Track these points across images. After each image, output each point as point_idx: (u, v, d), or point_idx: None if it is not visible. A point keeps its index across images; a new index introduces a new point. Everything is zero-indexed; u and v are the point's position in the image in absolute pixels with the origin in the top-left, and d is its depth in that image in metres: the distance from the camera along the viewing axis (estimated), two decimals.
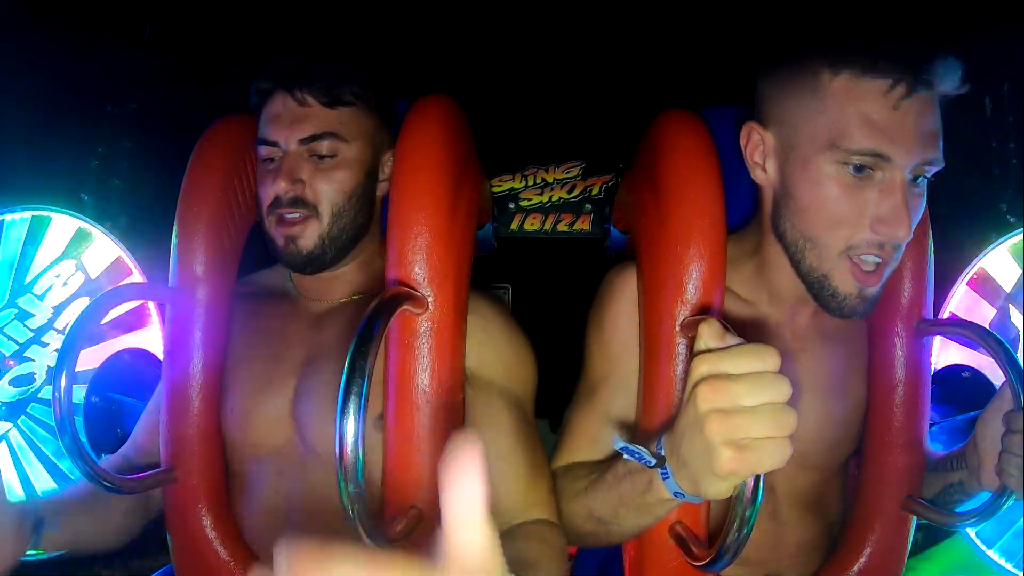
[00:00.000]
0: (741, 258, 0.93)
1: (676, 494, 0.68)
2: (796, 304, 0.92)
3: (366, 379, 0.67)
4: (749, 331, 0.91)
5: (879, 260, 0.81)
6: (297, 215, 0.92)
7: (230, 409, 0.96)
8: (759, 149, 0.86)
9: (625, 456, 0.69)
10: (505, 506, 0.89)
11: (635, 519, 0.78)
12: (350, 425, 0.65)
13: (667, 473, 0.67)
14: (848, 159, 0.77)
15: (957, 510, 0.91)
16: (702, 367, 0.59)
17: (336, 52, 1.00)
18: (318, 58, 0.96)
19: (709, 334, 0.62)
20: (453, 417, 0.85)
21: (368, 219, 0.99)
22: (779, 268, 0.89)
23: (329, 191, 0.93)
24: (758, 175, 0.87)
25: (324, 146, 0.93)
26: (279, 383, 0.94)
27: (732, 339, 0.61)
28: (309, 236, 0.93)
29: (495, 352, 0.93)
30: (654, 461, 0.67)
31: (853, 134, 0.76)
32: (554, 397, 1.05)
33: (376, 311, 0.72)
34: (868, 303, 0.83)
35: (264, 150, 0.94)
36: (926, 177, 0.80)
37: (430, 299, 0.82)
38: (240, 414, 0.95)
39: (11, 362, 1.37)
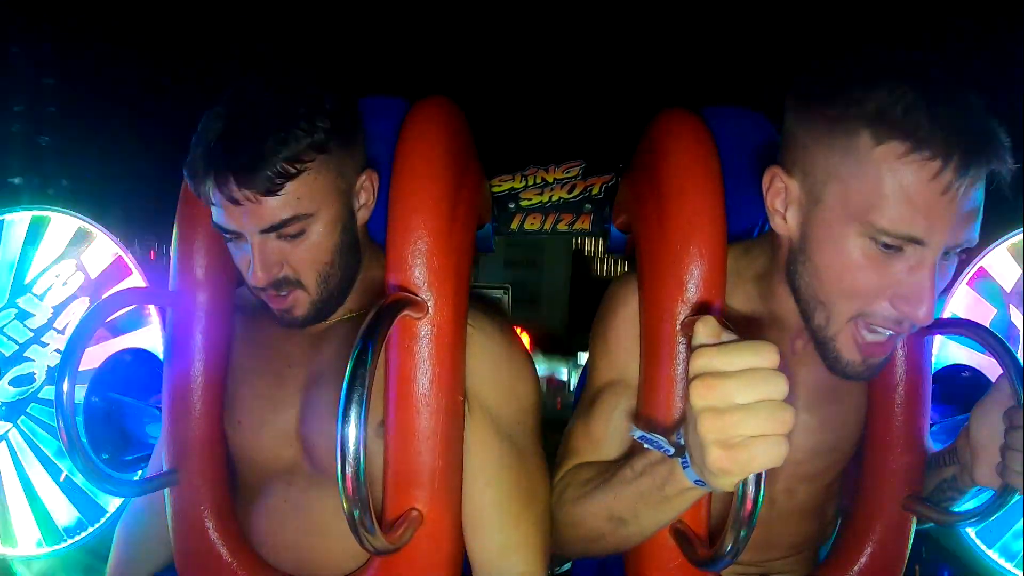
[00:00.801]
0: (746, 275, 0.90)
1: (697, 482, 0.67)
2: (797, 332, 0.88)
3: (367, 386, 0.67)
4: (744, 329, 0.91)
5: (893, 335, 0.76)
6: (284, 292, 0.87)
7: (237, 422, 0.95)
8: (781, 197, 0.79)
9: (644, 445, 0.69)
10: (480, 543, 0.88)
11: (656, 515, 0.76)
12: (351, 432, 0.65)
13: (687, 462, 0.66)
14: (878, 236, 0.71)
15: (958, 510, 0.91)
16: (697, 363, 0.58)
17: (275, 88, 0.85)
18: (244, 121, 0.80)
19: (705, 331, 0.61)
20: (454, 420, 0.85)
21: (357, 256, 0.93)
22: (784, 305, 0.86)
23: (308, 263, 0.86)
24: (777, 223, 0.81)
25: (290, 230, 0.82)
26: (283, 403, 0.94)
27: (728, 336, 0.61)
28: (301, 306, 0.88)
29: (493, 375, 0.91)
30: (673, 449, 0.67)
31: (889, 213, 0.69)
32: None
33: (377, 318, 0.72)
34: (873, 370, 0.80)
35: (226, 234, 0.85)
36: (956, 253, 0.74)
37: (430, 303, 0.82)
38: (247, 429, 0.95)
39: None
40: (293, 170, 0.80)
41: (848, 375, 0.80)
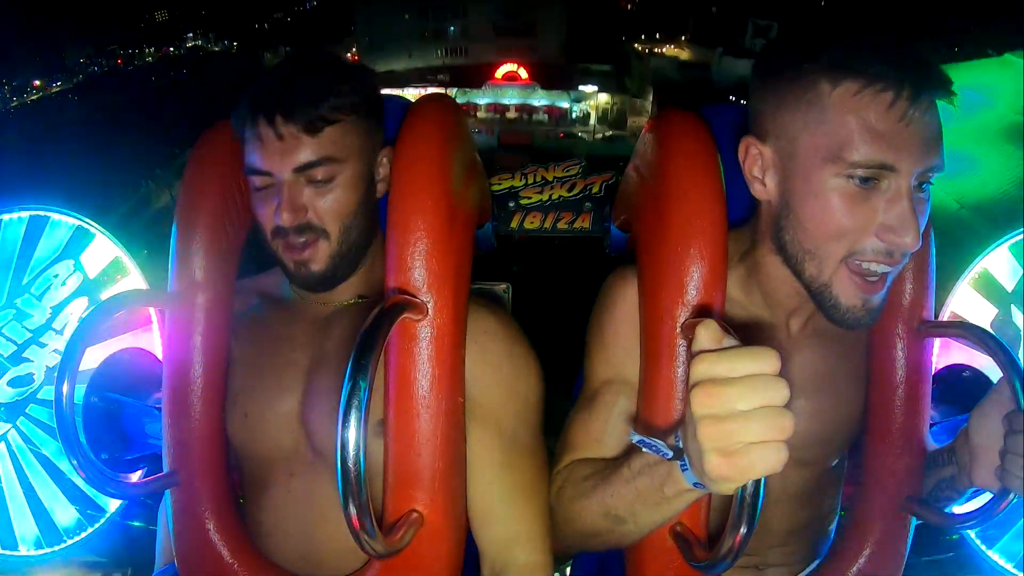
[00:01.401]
0: (735, 259, 0.92)
1: (696, 484, 0.67)
2: (791, 307, 0.91)
3: (367, 391, 0.67)
4: (743, 332, 0.91)
5: (887, 269, 0.79)
6: (305, 239, 0.89)
7: (243, 413, 0.96)
8: (757, 164, 0.84)
9: (643, 449, 0.69)
10: (487, 536, 0.92)
11: (653, 514, 0.77)
12: (352, 436, 0.65)
13: (686, 464, 0.67)
14: (853, 172, 0.76)
15: (957, 512, 0.91)
16: (698, 370, 0.59)
17: (322, 57, 0.95)
18: (297, 73, 0.90)
19: (706, 337, 0.62)
20: (453, 421, 0.85)
21: (373, 225, 0.97)
22: (775, 277, 0.88)
23: (334, 212, 0.90)
24: (757, 189, 0.85)
25: (319, 172, 0.88)
26: (287, 388, 0.95)
27: (729, 341, 0.61)
28: (320, 259, 0.90)
29: (494, 374, 0.92)
30: (671, 453, 0.67)
31: (858, 146, 0.75)
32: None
33: (376, 322, 0.72)
34: (873, 313, 0.82)
35: (256, 180, 0.90)
36: (930, 183, 0.79)
37: (429, 305, 0.82)
38: (253, 418, 0.96)
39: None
40: (332, 117, 0.88)
41: (849, 322, 0.82)
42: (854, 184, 0.76)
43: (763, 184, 0.84)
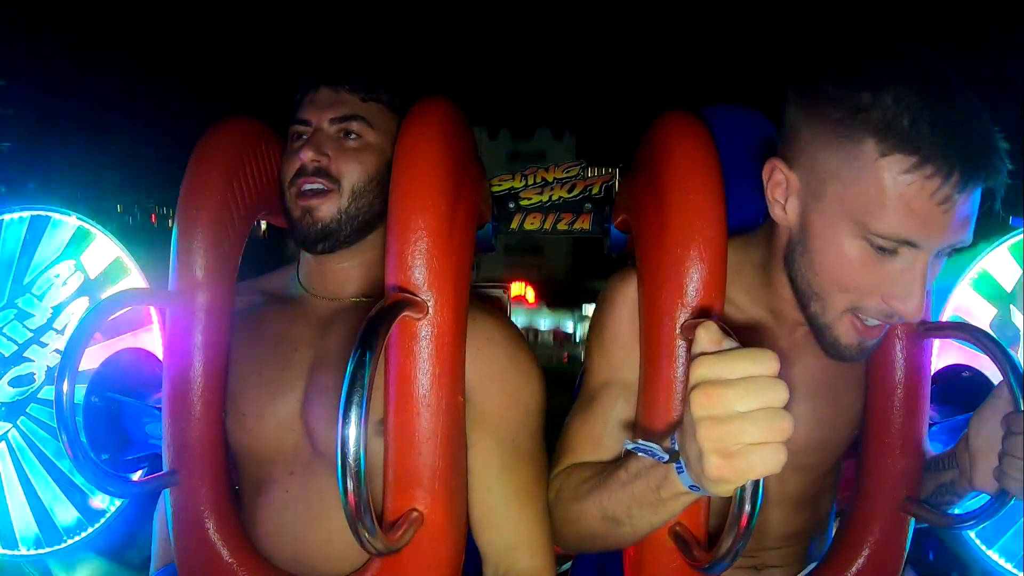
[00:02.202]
0: (745, 267, 0.92)
1: (692, 487, 0.67)
2: (794, 320, 0.91)
3: (367, 389, 0.67)
4: (745, 334, 0.91)
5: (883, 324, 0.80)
6: (319, 185, 0.95)
7: (242, 413, 0.96)
8: (781, 188, 0.82)
9: (639, 454, 0.69)
10: (489, 541, 0.93)
11: (649, 517, 0.77)
12: (352, 434, 0.65)
13: (682, 467, 0.66)
14: (873, 239, 0.74)
15: (956, 512, 0.91)
16: (698, 371, 0.59)
17: (339, 53, 1.04)
18: (359, 55, 1.03)
19: (706, 338, 0.61)
20: (453, 420, 0.85)
21: (383, 209, 0.97)
22: (783, 297, 0.88)
23: (352, 168, 0.96)
24: (777, 213, 0.83)
25: (353, 126, 0.98)
26: (288, 386, 0.95)
27: (729, 343, 0.61)
28: (327, 209, 0.95)
29: (496, 382, 0.93)
30: (667, 456, 0.67)
31: (887, 219, 0.72)
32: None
33: (376, 320, 0.72)
34: (867, 352, 0.84)
35: (295, 128, 0.99)
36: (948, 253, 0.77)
37: (430, 304, 0.82)
38: (251, 417, 0.96)
39: None
40: (376, 92, 1.01)
41: (844, 358, 0.84)
42: (872, 248, 0.75)
43: (783, 211, 0.82)
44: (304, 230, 0.96)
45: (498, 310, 1.03)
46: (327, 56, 1.04)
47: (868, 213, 0.73)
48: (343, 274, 1.01)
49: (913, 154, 0.70)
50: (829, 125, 0.75)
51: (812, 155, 0.77)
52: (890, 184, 0.71)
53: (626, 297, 0.92)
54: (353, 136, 0.98)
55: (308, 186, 0.95)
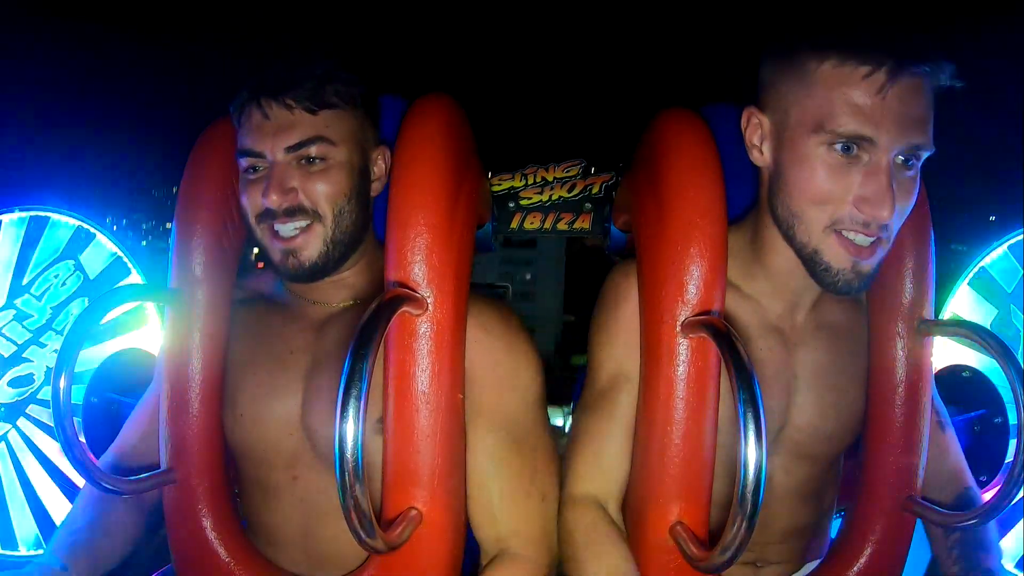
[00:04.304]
0: (740, 245, 0.93)
1: None
2: (796, 294, 0.92)
3: (365, 382, 0.66)
4: (749, 328, 0.91)
5: (870, 239, 0.82)
6: (296, 230, 0.88)
7: (239, 414, 0.96)
8: (757, 132, 0.89)
9: None
10: (485, 531, 0.92)
11: None
12: (350, 428, 0.65)
13: None
14: (834, 140, 0.80)
15: (956, 509, 0.91)
16: None
17: (327, 52, 0.99)
18: (299, 63, 0.92)
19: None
20: (453, 418, 0.84)
21: (367, 220, 0.97)
22: (777, 251, 0.90)
23: (326, 194, 0.89)
24: (755, 156, 0.90)
25: (313, 150, 0.88)
26: (286, 390, 0.94)
27: (734, 339, 0.61)
28: (313, 245, 0.89)
29: (492, 369, 0.91)
30: None
31: (838, 117, 0.79)
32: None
33: (375, 314, 0.72)
34: (864, 279, 0.84)
35: (246, 161, 0.90)
36: (917, 159, 0.82)
37: (429, 300, 0.82)
38: (249, 420, 0.95)
39: None
40: (329, 101, 0.90)
41: (841, 287, 0.84)
42: (836, 154, 0.81)
43: (760, 152, 0.89)
44: (291, 271, 0.90)
45: (496, 298, 1.02)
46: (263, 66, 0.92)
47: (823, 119, 0.80)
48: (334, 284, 0.97)
49: (842, 52, 0.80)
50: (781, 60, 0.86)
51: (775, 91, 0.87)
52: (831, 85, 0.80)
53: (629, 291, 0.93)
54: (317, 160, 0.89)
55: (285, 230, 0.88)
